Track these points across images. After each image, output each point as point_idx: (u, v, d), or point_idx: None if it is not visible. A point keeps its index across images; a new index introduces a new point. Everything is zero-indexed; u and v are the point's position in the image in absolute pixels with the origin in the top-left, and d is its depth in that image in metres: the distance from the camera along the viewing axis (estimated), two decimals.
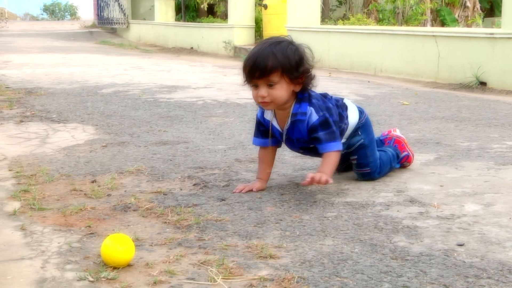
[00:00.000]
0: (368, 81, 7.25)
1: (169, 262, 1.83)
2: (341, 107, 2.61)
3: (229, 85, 6.58)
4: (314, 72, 2.52)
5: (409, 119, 4.40)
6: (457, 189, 2.59)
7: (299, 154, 2.88)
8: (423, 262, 1.81)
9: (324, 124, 2.46)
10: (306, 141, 2.53)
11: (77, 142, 3.61)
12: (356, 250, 1.92)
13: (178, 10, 16.69)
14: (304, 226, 2.15)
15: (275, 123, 2.58)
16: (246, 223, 2.18)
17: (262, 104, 2.49)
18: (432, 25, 12.07)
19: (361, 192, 2.56)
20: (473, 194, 2.51)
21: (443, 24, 12.33)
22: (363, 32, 8.82)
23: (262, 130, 2.63)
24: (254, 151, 3.10)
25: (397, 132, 3.02)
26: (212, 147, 3.46)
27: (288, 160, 3.11)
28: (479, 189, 2.58)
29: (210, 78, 7.41)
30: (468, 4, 12.66)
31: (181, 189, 2.63)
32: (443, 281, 1.68)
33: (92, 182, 2.73)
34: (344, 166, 2.83)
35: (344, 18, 12.90)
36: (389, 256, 1.86)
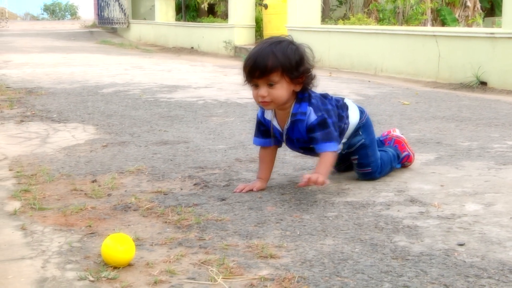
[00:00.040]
0: (369, 81, 7.25)
1: (170, 261, 1.83)
2: (342, 107, 2.61)
3: (229, 84, 6.58)
4: (315, 72, 2.51)
5: (410, 119, 4.40)
6: (458, 188, 2.59)
7: (300, 154, 2.88)
8: (423, 262, 1.81)
9: (321, 124, 2.45)
10: (306, 141, 2.53)
11: (78, 142, 3.62)
12: (356, 249, 1.92)
13: (178, 10, 16.69)
14: (305, 225, 2.15)
15: (275, 123, 2.58)
16: (247, 223, 2.18)
17: (262, 104, 2.49)
18: (433, 25, 12.07)
19: (362, 191, 2.56)
20: (473, 194, 2.51)
21: (443, 24, 12.33)
22: (364, 32, 8.82)
23: (263, 130, 2.63)
24: (254, 151, 3.10)
25: (397, 132, 3.02)
26: (213, 147, 3.46)
27: (288, 159, 3.10)
28: (479, 189, 2.58)
29: (211, 78, 7.41)
30: (468, 3, 12.66)
31: (181, 189, 2.63)
32: (444, 280, 1.68)
33: (93, 181, 2.73)
34: (344, 166, 2.83)
35: (345, 18, 12.90)
36: (390, 255, 1.86)
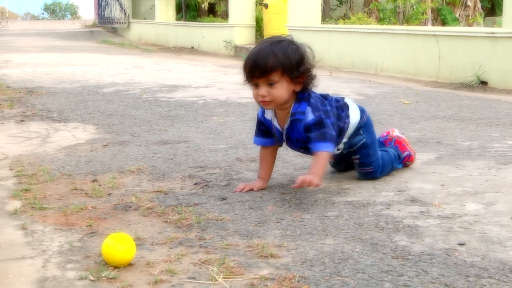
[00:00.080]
0: (369, 81, 7.25)
1: (170, 261, 1.83)
2: (342, 106, 2.61)
3: (229, 84, 6.58)
4: (315, 71, 2.51)
5: (410, 119, 4.40)
6: (458, 188, 2.59)
7: (300, 154, 2.87)
8: (424, 262, 1.81)
9: (318, 124, 2.44)
10: (305, 141, 2.52)
11: (78, 142, 3.62)
12: (357, 249, 1.91)
13: (178, 9, 16.69)
14: (305, 225, 2.15)
15: (275, 123, 2.57)
16: (247, 222, 2.18)
17: (262, 104, 2.48)
18: (433, 25, 12.08)
19: (362, 191, 2.56)
20: (474, 194, 2.50)
21: (444, 23, 12.33)
22: (364, 31, 8.82)
23: (263, 129, 2.63)
24: (255, 150, 3.10)
25: (396, 133, 3.01)
26: (213, 147, 3.46)
27: (289, 159, 3.10)
28: (480, 189, 2.57)
29: (211, 78, 7.41)
30: (469, 3, 12.66)
31: (182, 188, 2.63)
32: (444, 280, 1.68)
33: (93, 181, 2.73)
34: (344, 166, 2.83)
35: (345, 17, 12.89)
36: (390, 255, 1.86)
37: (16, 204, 2.40)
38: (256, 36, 12.19)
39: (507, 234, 2.03)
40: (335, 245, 1.96)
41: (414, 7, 11.73)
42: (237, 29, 12.03)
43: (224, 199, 2.46)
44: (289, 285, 1.66)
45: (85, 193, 2.56)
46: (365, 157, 2.67)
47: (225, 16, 14.25)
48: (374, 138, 2.72)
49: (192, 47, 13.67)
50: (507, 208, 2.31)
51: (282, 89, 2.43)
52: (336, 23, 11.39)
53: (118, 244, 1.79)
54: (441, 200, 2.42)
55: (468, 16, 12.57)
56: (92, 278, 1.72)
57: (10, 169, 2.95)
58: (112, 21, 19.33)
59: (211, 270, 1.76)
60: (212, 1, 15.62)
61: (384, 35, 8.26)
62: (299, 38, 2.63)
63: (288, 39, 2.49)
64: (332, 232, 2.08)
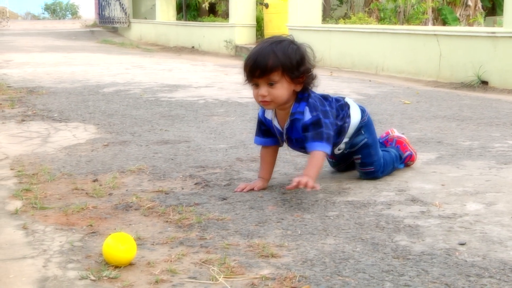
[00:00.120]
0: (370, 80, 7.24)
1: (171, 261, 1.83)
2: (343, 106, 2.61)
3: (230, 84, 6.58)
4: (315, 71, 2.51)
5: (411, 118, 4.40)
6: (459, 188, 2.59)
7: (301, 153, 2.87)
8: (424, 261, 1.81)
9: (315, 124, 2.43)
10: (304, 141, 2.52)
11: (79, 141, 3.62)
12: (357, 249, 1.92)
13: (179, 9, 16.69)
14: (306, 225, 2.15)
15: (275, 123, 2.57)
16: (248, 222, 2.18)
17: (263, 103, 2.48)
18: (434, 24, 12.08)
19: (363, 191, 2.56)
20: (474, 193, 2.50)
21: (444, 23, 12.33)
22: (365, 31, 8.82)
23: (264, 129, 2.63)
24: (255, 150, 3.10)
25: (396, 133, 3.01)
26: (214, 146, 3.46)
27: (289, 159, 3.10)
28: (480, 188, 2.57)
29: (211, 77, 7.41)
30: (469, 3, 12.66)
31: (182, 188, 2.63)
32: (445, 280, 1.68)
33: (94, 181, 2.73)
34: (345, 166, 2.83)
35: (345, 17, 12.89)
36: (391, 255, 1.86)
37: (17, 204, 2.40)
38: (256, 35, 12.19)
39: (507, 234, 2.03)
40: (335, 245, 1.96)
41: (415, 6, 11.73)
42: (238, 28, 12.03)
43: (224, 199, 2.46)
44: (290, 285, 1.66)
45: (86, 193, 2.56)
46: (367, 157, 2.67)
47: (226, 15, 14.26)
48: (375, 138, 2.72)
49: (193, 47, 13.67)
50: (508, 208, 2.31)
51: (282, 89, 2.42)
52: (337, 23, 11.39)
53: (119, 244, 1.79)
54: (441, 200, 2.42)
55: (468, 15, 12.58)
56: (93, 277, 1.72)
57: (11, 169, 2.95)
58: (113, 21, 19.33)
59: (212, 270, 1.76)
60: (212, 1, 15.62)
61: (385, 34, 8.26)
62: (300, 37, 2.63)
63: (289, 39, 2.49)
64: (332, 232, 2.08)
